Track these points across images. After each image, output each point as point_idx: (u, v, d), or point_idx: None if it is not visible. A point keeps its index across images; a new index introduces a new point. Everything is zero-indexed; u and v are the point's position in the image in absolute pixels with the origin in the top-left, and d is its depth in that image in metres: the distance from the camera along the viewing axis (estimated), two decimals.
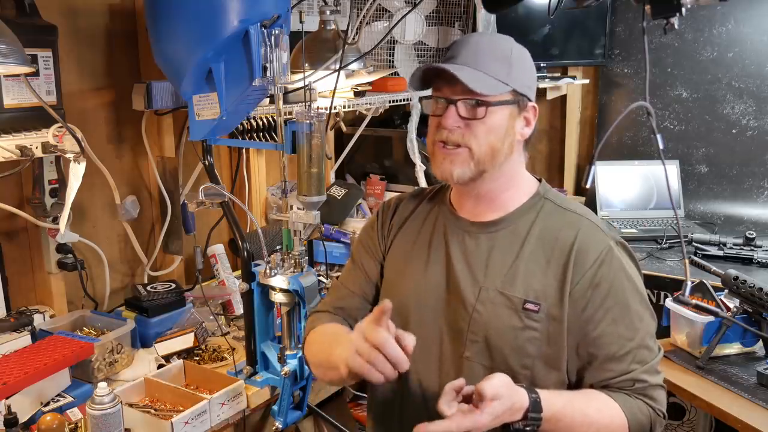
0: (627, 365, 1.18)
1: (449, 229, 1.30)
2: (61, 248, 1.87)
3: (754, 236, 2.45)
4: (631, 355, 1.18)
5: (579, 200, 2.96)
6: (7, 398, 1.43)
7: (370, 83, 2.48)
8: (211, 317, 1.99)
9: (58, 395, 1.59)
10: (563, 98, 3.37)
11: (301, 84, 1.70)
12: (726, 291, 1.79)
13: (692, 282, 1.85)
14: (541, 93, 3.22)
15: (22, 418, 1.44)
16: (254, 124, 2.15)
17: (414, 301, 1.28)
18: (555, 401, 1.12)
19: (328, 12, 2.16)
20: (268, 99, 1.96)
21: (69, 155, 1.60)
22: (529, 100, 1.24)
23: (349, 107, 2.40)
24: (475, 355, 1.21)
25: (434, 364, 1.26)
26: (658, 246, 2.61)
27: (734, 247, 2.45)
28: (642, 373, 1.18)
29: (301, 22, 1.77)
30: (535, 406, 1.08)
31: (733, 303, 1.79)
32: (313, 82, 1.84)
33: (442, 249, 1.29)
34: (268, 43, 1.58)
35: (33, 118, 1.62)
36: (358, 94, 2.44)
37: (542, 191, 1.29)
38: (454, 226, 1.30)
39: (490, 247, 1.25)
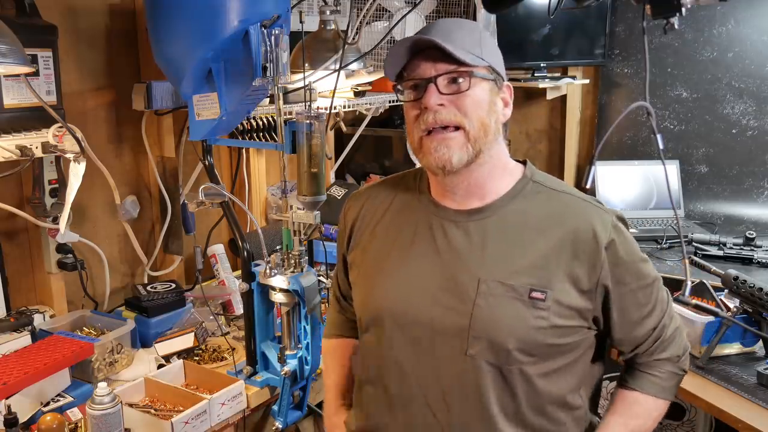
0: (648, 326, 1.26)
1: (433, 220, 1.23)
2: (61, 248, 1.87)
3: (754, 236, 2.45)
4: (652, 315, 1.26)
5: None
6: (7, 398, 1.43)
7: (370, 83, 2.48)
8: (211, 317, 1.99)
9: (58, 395, 1.60)
10: (563, 98, 3.36)
11: (301, 84, 1.71)
12: (726, 291, 1.79)
13: (692, 282, 1.84)
14: (541, 93, 3.21)
15: (22, 418, 1.45)
16: (254, 124, 2.15)
17: (398, 302, 1.22)
18: None
19: (328, 12, 2.16)
20: (268, 99, 1.96)
21: (69, 155, 1.60)
22: (503, 80, 1.21)
23: (349, 107, 2.40)
24: (480, 352, 1.16)
25: (428, 366, 1.20)
26: (658, 246, 2.60)
27: (734, 247, 2.44)
28: (662, 329, 1.28)
29: (301, 22, 1.77)
30: None
31: (733, 303, 1.79)
32: (313, 82, 1.84)
33: (428, 243, 1.22)
34: (268, 43, 1.58)
35: (33, 118, 1.62)
36: (358, 94, 2.44)
37: (529, 174, 1.26)
38: (439, 217, 1.23)
39: (482, 236, 1.19)
